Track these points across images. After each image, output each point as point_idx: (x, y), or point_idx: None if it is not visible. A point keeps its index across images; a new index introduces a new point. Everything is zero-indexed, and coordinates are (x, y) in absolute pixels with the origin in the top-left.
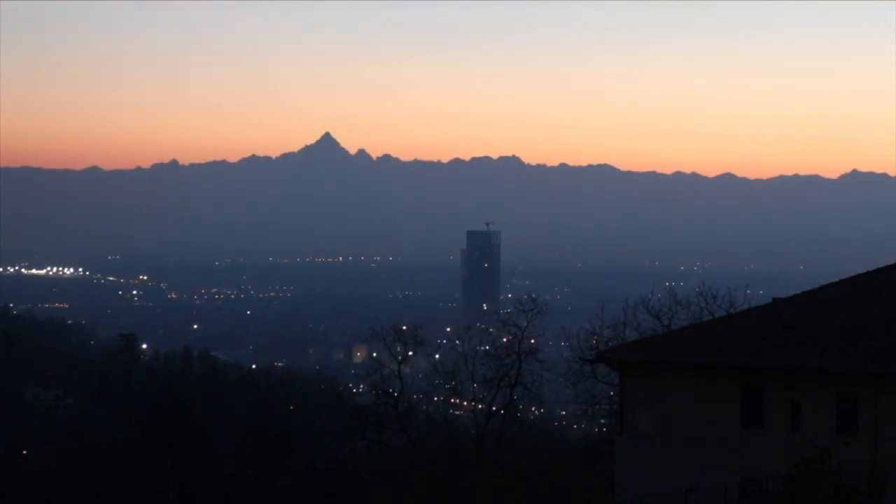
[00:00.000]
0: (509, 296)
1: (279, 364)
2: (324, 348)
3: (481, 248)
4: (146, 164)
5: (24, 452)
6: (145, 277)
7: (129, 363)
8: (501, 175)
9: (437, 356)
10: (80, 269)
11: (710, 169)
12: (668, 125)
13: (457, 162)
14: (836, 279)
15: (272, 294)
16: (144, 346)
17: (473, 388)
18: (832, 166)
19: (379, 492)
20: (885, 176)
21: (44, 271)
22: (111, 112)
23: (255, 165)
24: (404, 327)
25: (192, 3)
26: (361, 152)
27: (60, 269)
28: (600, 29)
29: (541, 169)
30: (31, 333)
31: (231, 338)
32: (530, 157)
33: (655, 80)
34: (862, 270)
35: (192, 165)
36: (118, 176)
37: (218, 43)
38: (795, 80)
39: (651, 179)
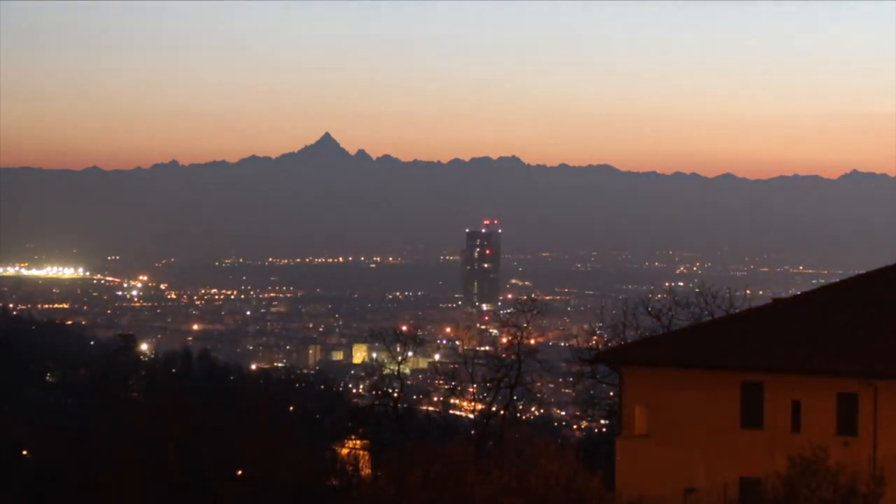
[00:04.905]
0: (509, 296)
1: (279, 364)
2: (324, 348)
3: (481, 248)
4: (146, 165)
5: (24, 452)
6: (145, 277)
7: (129, 364)
8: (501, 175)
9: (436, 356)
10: (80, 270)
11: (710, 169)
12: (669, 125)
13: (457, 162)
14: (836, 279)
15: (272, 294)
16: (144, 346)
17: (473, 388)
18: (832, 166)
19: (378, 492)
20: (885, 176)
21: (44, 271)
22: (111, 112)
23: (255, 165)
24: (404, 328)
25: (191, 4)
26: (361, 152)
27: (60, 269)
28: (600, 29)
29: (541, 169)
30: (30, 334)
31: (231, 338)
32: (530, 157)
33: (655, 80)
34: (861, 271)
35: (192, 165)
36: (118, 176)
37: (218, 43)
38: (795, 79)
39: (651, 179)
